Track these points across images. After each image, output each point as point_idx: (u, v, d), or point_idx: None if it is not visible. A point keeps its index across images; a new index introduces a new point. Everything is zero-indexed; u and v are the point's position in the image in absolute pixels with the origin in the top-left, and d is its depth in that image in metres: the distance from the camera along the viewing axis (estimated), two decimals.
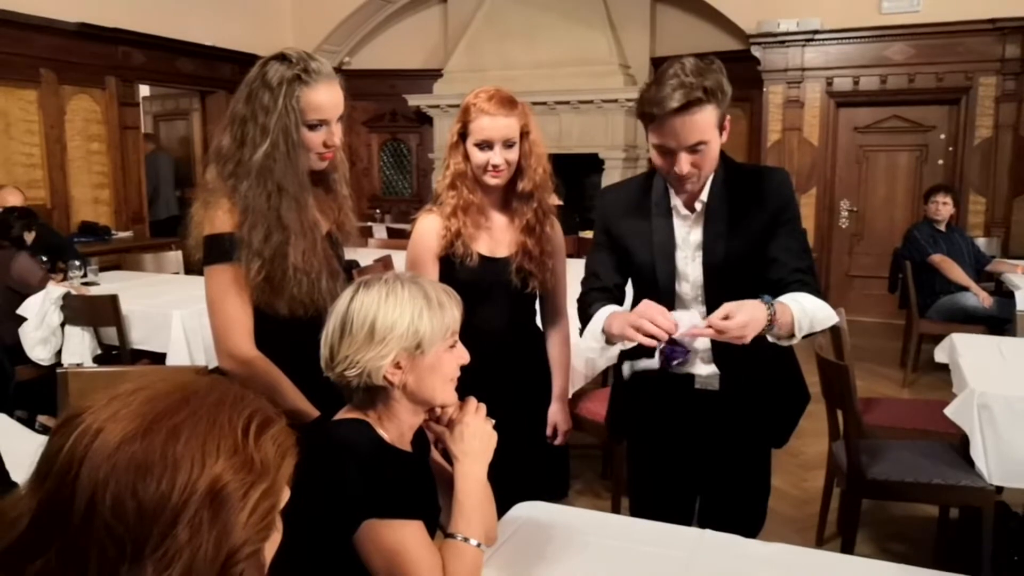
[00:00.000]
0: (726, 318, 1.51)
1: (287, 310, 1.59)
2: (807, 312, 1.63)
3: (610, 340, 1.74)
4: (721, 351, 1.79)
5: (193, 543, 0.66)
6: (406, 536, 1.17)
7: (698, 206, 1.78)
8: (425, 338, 1.25)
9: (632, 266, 1.87)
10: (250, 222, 1.57)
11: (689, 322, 1.58)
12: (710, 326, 1.53)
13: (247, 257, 1.56)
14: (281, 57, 1.60)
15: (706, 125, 1.64)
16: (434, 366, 1.27)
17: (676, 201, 1.80)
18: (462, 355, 1.33)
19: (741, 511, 1.89)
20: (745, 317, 1.51)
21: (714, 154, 1.70)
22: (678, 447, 1.91)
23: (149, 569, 0.65)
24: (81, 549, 0.65)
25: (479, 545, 1.25)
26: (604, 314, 1.75)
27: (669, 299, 1.78)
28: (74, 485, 0.66)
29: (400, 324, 1.24)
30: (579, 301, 1.90)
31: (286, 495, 0.76)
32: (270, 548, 0.76)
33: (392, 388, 1.26)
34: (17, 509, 0.69)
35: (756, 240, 1.74)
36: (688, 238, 1.80)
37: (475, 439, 1.30)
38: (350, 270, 1.85)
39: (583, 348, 2.20)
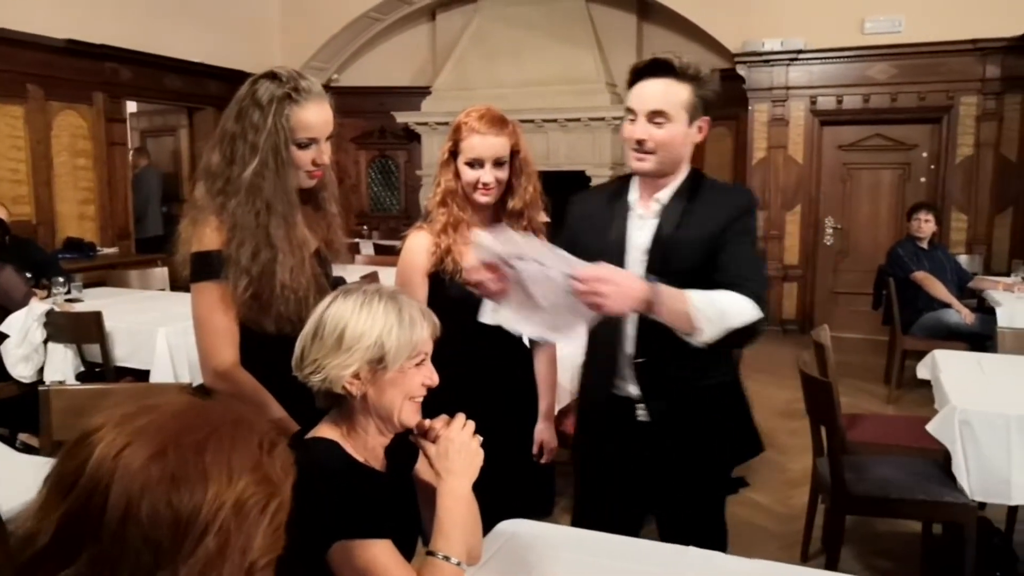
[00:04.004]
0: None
1: (274, 327, 1.59)
2: (715, 304, 1.53)
3: None
4: (651, 398, 1.75)
5: (222, 553, 0.71)
6: (376, 556, 1.17)
7: (654, 205, 1.76)
8: (389, 353, 1.26)
9: None
10: (238, 239, 1.57)
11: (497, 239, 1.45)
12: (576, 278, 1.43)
13: (234, 274, 1.56)
14: (271, 75, 1.61)
15: (671, 98, 1.67)
16: (396, 381, 1.28)
17: (635, 200, 1.78)
18: (429, 375, 1.33)
19: (699, 530, 1.78)
20: (608, 275, 1.43)
21: (677, 138, 1.68)
22: (626, 471, 1.87)
23: (183, 572, 0.69)
24: (115, 557, 0.69)
25: (459, 564, 1.24)
26: None
27: None
28: (106, 497, 0.70)
29: (368, 336, 1.25)
30: None
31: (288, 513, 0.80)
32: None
33: (352, 399, 1.27)
34: (33, 525, 0.72)
35: (701, 252, 1.68)
36: (639, 241, 1.76)
37: (459, 456, 1.30)
38: (337, 287, 1.86)
39: (568, 364, 2.21)
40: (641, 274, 1.69)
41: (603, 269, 1.45)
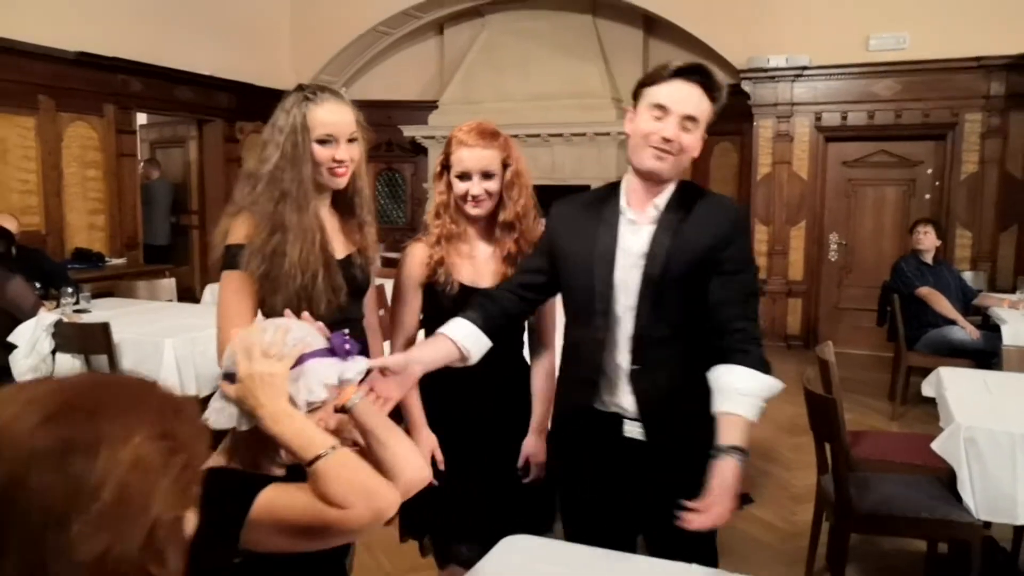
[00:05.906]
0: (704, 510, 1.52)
1: (282, 308, 1.65)
2: (753, 403, 1.62)
3: None
4: (648, 410, 1.74)
5: (119, 508, 0.70)
6: (270, 501, 1.13)
7: (651, 211, 1.74)
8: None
9: (569, 277, 1.81)
10: (259, 225, 1.73)
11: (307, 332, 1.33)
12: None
13: (250, 254, 1.71)
14: (299, 87, 1.80)
15: (702, 106, 1.69)
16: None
17: (626, 207, 1.77)
18: (325, 419, 1.31)
19: (691, 551, 1.69)
20: (715, 498, 1.53)
21: (695, 147, 1.71)
22: (611, 491, 1.81)
23: (75, 529, 0.69)
24: (2, 521, 0.69)
25: (332, 448, 1.17)
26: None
27: (605, 308, 1.73)
28: None
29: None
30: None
31: (201, 473, 0.80)
32: (189, 525, 0.79)
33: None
34: None
35: (696, 263, 1.69)
36: (632, 246, 1.74)
37: (256, 384, 1.22)
38: (359, 288, 1.93)
39: None
40: (637, 280, 1.71)
41: (710, 498, 1.53)
